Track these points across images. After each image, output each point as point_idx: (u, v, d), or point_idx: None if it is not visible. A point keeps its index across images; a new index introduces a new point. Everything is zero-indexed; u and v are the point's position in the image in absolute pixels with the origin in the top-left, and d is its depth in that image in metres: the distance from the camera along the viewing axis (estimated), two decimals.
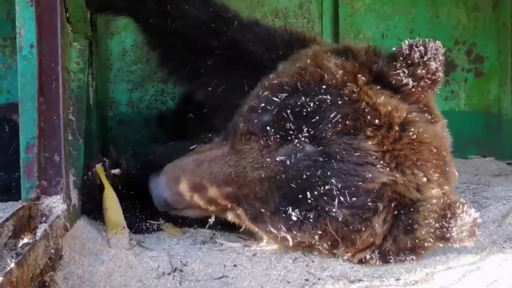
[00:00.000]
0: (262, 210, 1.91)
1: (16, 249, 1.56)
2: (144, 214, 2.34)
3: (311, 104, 1.84)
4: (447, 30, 4.27)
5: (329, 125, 1.81)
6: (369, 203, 1.82)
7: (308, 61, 1.99)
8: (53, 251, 1.72)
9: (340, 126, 1.81)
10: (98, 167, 2.33)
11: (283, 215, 1.87)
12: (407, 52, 1.89)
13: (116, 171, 2.37)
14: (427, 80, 1.90)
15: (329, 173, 1.79)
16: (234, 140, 1.97)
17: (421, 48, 1.88)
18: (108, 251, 1.95)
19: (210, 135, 2.44)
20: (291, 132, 1.84)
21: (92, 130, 3.40)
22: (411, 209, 1.84)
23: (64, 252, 1.86)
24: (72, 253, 1.88)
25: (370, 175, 1.79)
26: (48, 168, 1.92)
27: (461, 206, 1.79)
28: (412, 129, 1.85)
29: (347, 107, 1.83)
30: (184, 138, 2.79)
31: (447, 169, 1.93)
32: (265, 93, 1.95)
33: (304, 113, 1.83)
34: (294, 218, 1.84)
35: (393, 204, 1.84)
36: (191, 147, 2.40)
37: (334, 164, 1.79)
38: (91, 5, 2.56)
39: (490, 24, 4.29)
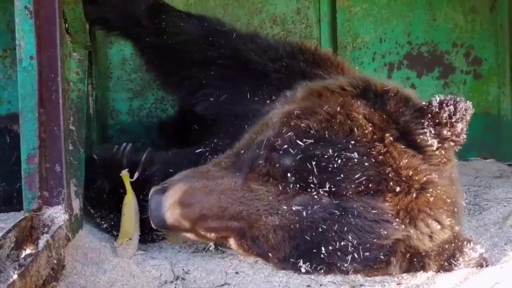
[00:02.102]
0: (270, 254, 1.91)
1: (19, 260, 1.56)
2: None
3: (338, 160, 1.81)
4: (444, 33, 4.27)
5: (352, 185, 1.80)
6: (381, 257, 1.85)
7: (338, 108, 1.95)
8: (55, 262, 1.73)
9: (362, 187, 1.80)
10: (124, 173, 2.31)
11: (292, 265, 1.88)
12: (437, 110, 1.89)
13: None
14: (451, 141, 1.91)
15: (345, 228, 1.79)
16: (249, 177, 1.92)
17: (451, 107, 1.88)
18: (110, 261, 1.95)
19: (216, 140, 2.45)
20: (312, 185, 1.82)
21: (92, 140, 3.41)
22: (423, 254, 1.90)
23: (66, 262, 1.86)
24: (75, 263, 1.89)
25: (385, 232, 1.81)
26: (50, 179, 1.93)
27: (468, 244, 1.91)
28: (431, 190, 1.87)
29: (372, 169, 1.82)
30: (186, 146, 2.79)
31: (456, 209, 1.96)
32: (289, 134, 1.90)
33: (329, 168, 1.81)
34: (303, 270, 1.87)
35: (407, 256, 1.89)
36: (196, 151, 2.41)
37: (351, 219, 1.79)
38: (88, 17, 2.58)
39: (488, 26, 4.30)
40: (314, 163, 1.81)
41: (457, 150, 2.02)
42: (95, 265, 1.93)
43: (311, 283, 1.87)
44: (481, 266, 1.91)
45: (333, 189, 1.80)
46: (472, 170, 3.83)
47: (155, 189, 1.98)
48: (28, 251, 1.68)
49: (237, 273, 1.98)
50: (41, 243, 1.68)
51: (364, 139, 1.87)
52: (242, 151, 2.03)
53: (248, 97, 2.49)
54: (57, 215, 1.88)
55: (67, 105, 2.07)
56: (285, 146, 1.87)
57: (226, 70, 2.60)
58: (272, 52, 2.63)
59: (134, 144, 3.70)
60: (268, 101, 2.40)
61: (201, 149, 2.41)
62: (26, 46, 1.91)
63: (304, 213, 1.82)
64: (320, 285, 1.86)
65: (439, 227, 1.88)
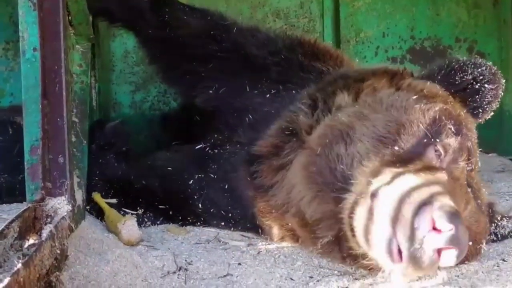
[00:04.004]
0: None
1: (22, 250, 1.57)
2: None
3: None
4: (448, 28, 4.26)
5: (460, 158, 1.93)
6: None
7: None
8: (58, 252, 1.73)
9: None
10: (95, 194, 2.39)
11: None
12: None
13: (113, 200, 2.42)
14: None
15: None
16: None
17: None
18: (113, 251, 1.96)
19: (216, 135, 2.47)
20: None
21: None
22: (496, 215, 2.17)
23: (69, 252, 1.87)
24: (78, 253, 1.90)
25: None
26: (53, 170, 1.94)
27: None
28: None
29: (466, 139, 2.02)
30: (188, 139, 2.80)
31: None
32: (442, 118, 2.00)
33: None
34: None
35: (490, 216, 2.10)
36: (197, 147, 2.43)
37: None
38: (91, 9, 2.58)
39: (491, 21, 4.28)
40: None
41: None
42: (98, 255, 1.94)
43: (313, 274, 1.88)
44: None
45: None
46: None
47: (438, 207, 1.60)
48: (31, 241, 1.69)
49: (239, 264, 1.99)
50: (45, 233, 1.69)
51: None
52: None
53: (248, 90, 2.50)
54: (60, 206, 1.89)
55: (70, 97, 2.07)
56: (450, 127, 1.98)
57: (226, 63, 2.61)
58: (271, 46, 2.64)
59: (136, 137, 3.74)
60: (267, 95, 2.42)
61: (201, 145, 2.43)
62: (29, 38, 1.91)
63: None
64: (322, 276, 1.87)
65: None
